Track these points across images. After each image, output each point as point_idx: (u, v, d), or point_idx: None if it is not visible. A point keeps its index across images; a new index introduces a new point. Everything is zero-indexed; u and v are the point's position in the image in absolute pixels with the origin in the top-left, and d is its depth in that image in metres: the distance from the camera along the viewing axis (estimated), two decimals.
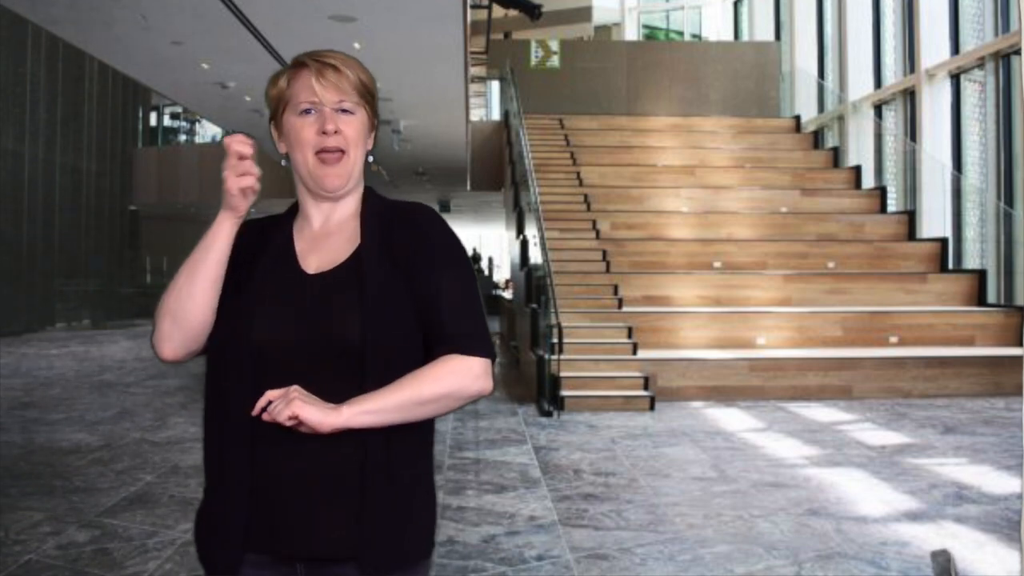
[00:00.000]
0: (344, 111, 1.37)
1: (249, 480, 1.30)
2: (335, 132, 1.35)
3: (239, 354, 1.32)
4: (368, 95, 1.40)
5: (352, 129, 1.37)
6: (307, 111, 1.36)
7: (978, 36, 11.18)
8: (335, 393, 1.29)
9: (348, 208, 1.43)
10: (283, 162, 1.43)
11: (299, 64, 1.38)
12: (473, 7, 13.81)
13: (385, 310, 1.32)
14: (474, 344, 1.35)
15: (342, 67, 1.36)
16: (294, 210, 1.46)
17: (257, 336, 1.31)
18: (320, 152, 1.36)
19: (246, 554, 1.32)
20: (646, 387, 7.94)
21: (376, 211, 1.42)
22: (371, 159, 1.44)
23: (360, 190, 1.45)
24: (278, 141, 1.41)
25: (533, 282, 9.58)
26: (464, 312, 1.36)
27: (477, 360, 1.34)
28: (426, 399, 1.31)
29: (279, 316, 1.32)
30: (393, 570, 1.35)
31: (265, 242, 1.41)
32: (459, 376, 1.33)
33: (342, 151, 1.36)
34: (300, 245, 1.41)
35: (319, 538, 1.31)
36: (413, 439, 1.40)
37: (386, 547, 1.34)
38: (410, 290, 1.35)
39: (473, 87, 14.62)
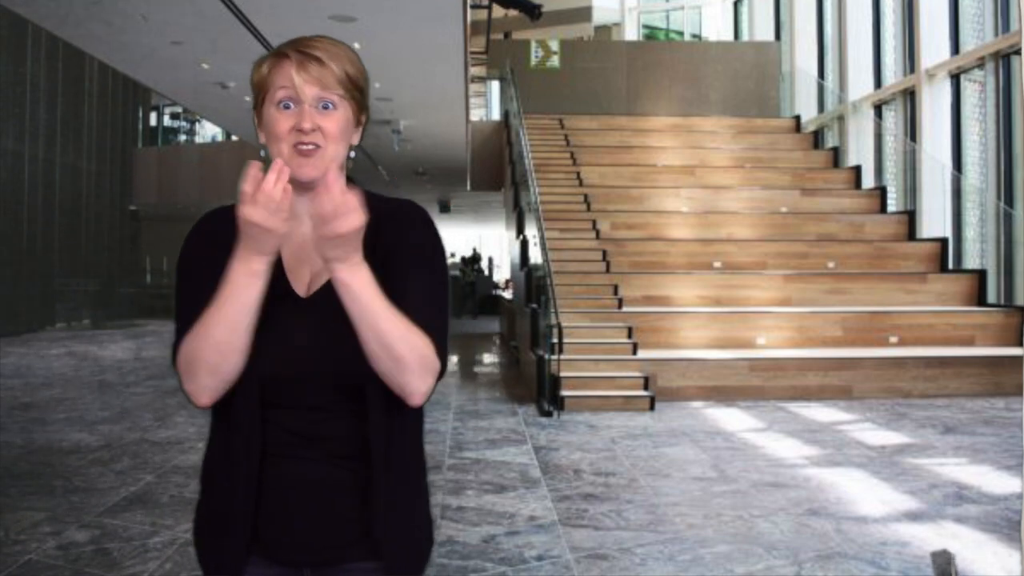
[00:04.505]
0: (325, 107, 1.29)
1: (255, 491, 1.31)
2: (312, 130, 1.27)
3: (248, 389, 1.29)
4: (354, 89, 1.32)
5: (332, 124, 1.29)
6: (286, 105, 1.28)
7: (978, 36, 11.18)
8: (338, 415, 1.31)
9: None
10: (262, 152, 1.35)
11: (282, 54, 1.30)
12: (473, 7, 13.81)
13: None
14: (439, 348, 1.29)
15: (327, 60, 1.28)
16: None
17: (263, 370, 1.28)
18: (296, 146, 1.28)
19: (250, 557, 1.34)
20: (646, 387, 7.94)
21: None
22: (352, 155, 1.37)
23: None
24: (258, 130, 1.34)
25: (533, 282, 9.58)
26: (433, 314, 1.30)
27: (436, 363, 1.27)
28: (387, 343, 1.22)
29: (281, 351, 1.29)
30: (414, 569, 1.38)
31: None
32: (417, 361, 1.24)
33: (318, 146, 1.29)
34: (286, 252, 1.34)
35: (326, 545, 1.33)
36: (413, 443, 1.41)
37: (403, 547, 1.37)
38: (383, 280, 1.28)
39: (473, 87, 14.61)
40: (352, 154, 1.38)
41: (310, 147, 1.28)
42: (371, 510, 1.32)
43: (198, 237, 1.37)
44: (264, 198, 1.17)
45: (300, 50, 1.29)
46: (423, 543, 1.42)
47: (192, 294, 1.30)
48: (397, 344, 1.22)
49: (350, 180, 1.39)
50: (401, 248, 1.33)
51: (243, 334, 1.24)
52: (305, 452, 1.31)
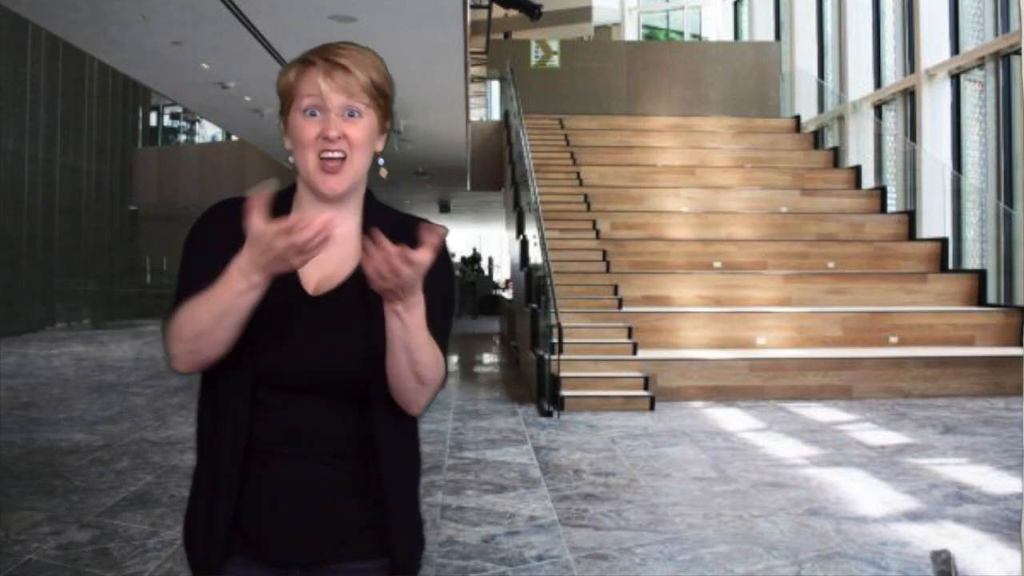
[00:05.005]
0: (351, 114, 1.30)
1: (239, 493, 1.30)
2: (339, 138, 1.28)
3: (239, 382, 1.29)
4: (380, 96, 1.33)
5: (358, 132, 1.30)
6: (312, 112, 1.29)
7: (978, 36, 11.18)
8: (341, 414, 1.31)
9: (351, 220, 1.37)
10: (290, 159, 1.36)
11: (308, 61, 1.31)
12: (473, 7, 13.80)
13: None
14: (444, 357, 1.34)
15: (353, 67, 1.29)
16: (286, 200, 1.37)
17: (259, 366, 1.28)
18: (322, 155, 1.29)
19: (237, 557, 1.33)
20: (646, 387, 7.93)
21: (376, 224, 1.35)
22: (381, 162, 1.40)
23: (361, 195, 1.39)
24: (284, 136, 1.35)
25: (533, 282, 9.58)
26: (444, 344, 1.35)
27: (443, 376, 1.33)
28: (424, 370, 1.28)
29: (282, 347, 1.29)
30: (414, 568, 1.40)
31: None
32: (435, 382, 1.31)
33: (344, 156, 1.30)
34: None
35: (318, 545, 1.33)
36: (412, 443, 1.42)
37: (408, 545, 1.37)
38: None
39: (473, 87, 14.62)
40: (381, 161, 1.38)
41: (336, 156, 1.29)
42: (377, 510, 1.32)
43: (208, 222, 1.37)
44: (300, 244, 1.16)
45: (327, 57, 1.30)
46: (421, 543, 1.44)
47: (193, 274, 1.31)
48: (427, 371, 1.28)
49: (369, 194, 1.41)
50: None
51: (230, 330, 1.24)
52: (297, 451, 1.30)
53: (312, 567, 1.34)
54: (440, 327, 1.33)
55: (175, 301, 1.30)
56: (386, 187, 18.86)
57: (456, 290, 1.46)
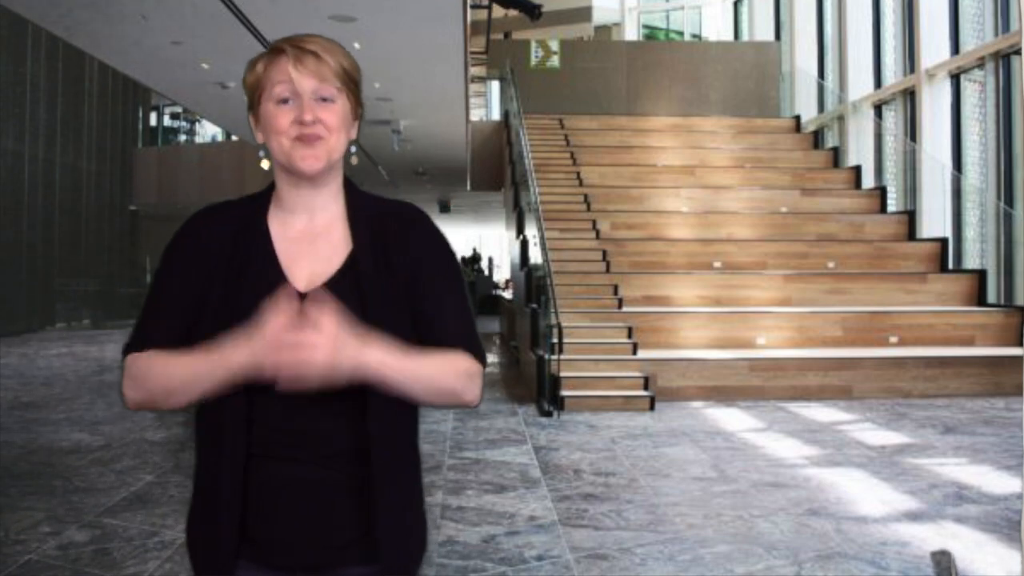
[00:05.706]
0: (323, 99, 1.29)
1: (242, 496, 1.29)
2: (313, 122, 1.27)
3: (235, 388, 1.26)
4: (351, 82, 1.32)
5: (332, 117, 1.29)
6: (285, 100, 1.28)
7: (978, 36, 11.18)
8: (337, 414, 1.30)
9: (332, 207, 1.36)
10: (260, 153, 1.35)
11: (277, 50, 1.30)
12: (473, 7, 13.81)
13: (386, 325, 1.27)
14: (477, 352, 1.35)
15: (322, 53, 1.28)
16: (265, 198, 1.37)
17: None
18: (297, 137, 1.28)
19: (242, 560, 1.32)
20: (646, 387, 7.93)
21: (362, 209, 1.37)
22: (353, 150, 1.37)
23: (339, 182, 1.37)
24: (255, 130, 1.34)
25: (533, 282, 9.58)
26: (465, 322, 1.36)
27: (478, 368, 1.35)
28: (438, 388, 1.30)
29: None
30: (412, 570, 1.39)
31: (242, 244, 1.31)
32: (465, 380, 1.33)
33: (320, 137, 1.29)
34: (282, 248, 1.33)
35: (319, 548, 1.32)
36: (410, 443, 1.41)
37: (403, 547, 1.36)
38: (408, 296, 1.33)
39: (473, 87, 14.62)
40: (353, 149, 1.38)
41: (313, 137, 1.28)
42: (369, 510, 1.31)
43: (183, 239, 1.36)
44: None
45: (296, 45, 1.29)
46: (419, 545, 1.41)
47: (161, 298, 1.32)
48: (446, 382, 1.29)
49: (348, 181, 1.39)
50: (424, 262, 1.33)
51: (194, 396, 1.27)
52: (295, 453, 1.29)
53: (316, 571, 1.33)
54: (452, 304, 1.32)
55: (137, 329, 1.31)
56: (386, 187, 18.87)
57: (457, 259, 1.43)
